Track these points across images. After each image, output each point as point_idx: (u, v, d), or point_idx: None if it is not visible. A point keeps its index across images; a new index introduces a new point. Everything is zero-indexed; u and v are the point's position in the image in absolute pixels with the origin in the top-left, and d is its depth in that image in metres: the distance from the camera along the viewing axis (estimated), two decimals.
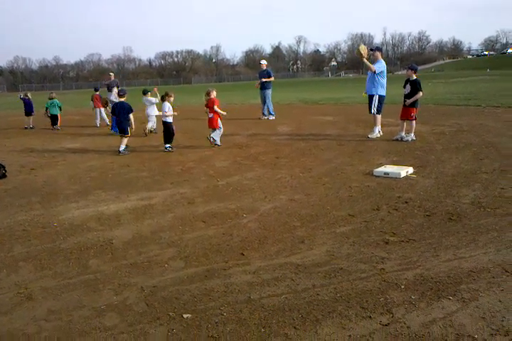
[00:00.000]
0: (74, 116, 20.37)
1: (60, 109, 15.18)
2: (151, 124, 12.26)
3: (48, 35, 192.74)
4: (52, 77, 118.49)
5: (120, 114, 9.35)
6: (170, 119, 9.44)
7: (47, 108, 14.92)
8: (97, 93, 15.32)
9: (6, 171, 7.53)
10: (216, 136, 9.53)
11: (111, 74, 17.05)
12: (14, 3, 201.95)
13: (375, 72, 9.71)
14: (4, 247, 4.36)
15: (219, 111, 9.45)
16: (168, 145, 9.43)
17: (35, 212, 5.48)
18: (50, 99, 15.04)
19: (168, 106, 9.45)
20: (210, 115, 9.51)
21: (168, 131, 9.42)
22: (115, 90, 14.68)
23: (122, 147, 9.35)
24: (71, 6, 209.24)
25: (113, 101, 13.41)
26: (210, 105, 9.50)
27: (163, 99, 9.64)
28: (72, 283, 3.53)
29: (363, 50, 9.79)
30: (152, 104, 11.97)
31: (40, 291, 3.42)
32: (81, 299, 3.27)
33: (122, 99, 9.58)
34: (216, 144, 9.51)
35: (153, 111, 12.05)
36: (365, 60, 9.78)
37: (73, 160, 8.99)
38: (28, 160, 9.17)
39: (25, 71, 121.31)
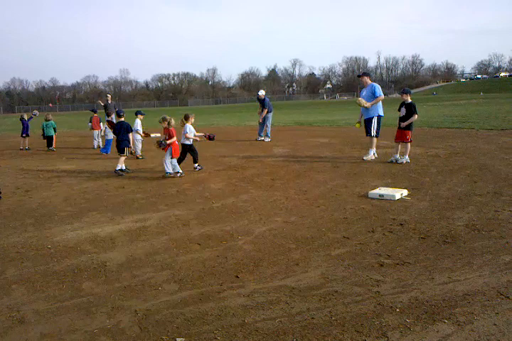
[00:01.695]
0: (70, 137, 20.46)
1: (55, 131, 15.27)
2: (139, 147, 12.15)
3: (45, 57, 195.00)
4: (49, 98, 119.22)
5: (120, 134, 9.42)
6: (189, 141, 9.37)
7: (43, 129, 15.03)
8: (96, 115, 15.41)
9: (0, 193, 7.51)
10: (175, 164, 9.07)
11: (108, 95, 17.18)
12: (11, 25, 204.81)
13: (378, 101, 9.87)
14: None
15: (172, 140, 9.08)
16: (196, 164, 9.50)
17: (29, 234, 5.45)
18: (46, 120, 15.14)
19: (189, 127, 9.32)
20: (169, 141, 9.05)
21: (191, 152, 9.43)
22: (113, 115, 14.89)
23: (119, 166, 9.36)
24: (68, 29, 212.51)
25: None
26: (172, 135, 9.03)
27: (186, 120, 9.41)
28: (64, 306, 3.49)
29: (361, 102, 9.95)
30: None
31: (32, 314, 3.38)
32: (74, 322, 3.23)
33: (121, 119, 9.65)
34: (179, 172, 8.96)
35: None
36: (368, 106, 9.93)
37: (68, 181, 8.98)
38: (23, 181, 9.15)
39: (22, 92, 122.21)
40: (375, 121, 9.97)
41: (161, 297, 3.59)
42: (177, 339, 2.94)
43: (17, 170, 10.75)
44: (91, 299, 3.60)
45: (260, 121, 15.54)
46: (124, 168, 9.53)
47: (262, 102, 15.52)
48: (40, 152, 14.65)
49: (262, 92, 15.90)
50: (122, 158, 9.45)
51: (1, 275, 4.18)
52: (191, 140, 9.39)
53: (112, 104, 16.45)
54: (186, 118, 9.41)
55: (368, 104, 9.85)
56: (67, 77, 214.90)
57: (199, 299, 3.51)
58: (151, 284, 3.84)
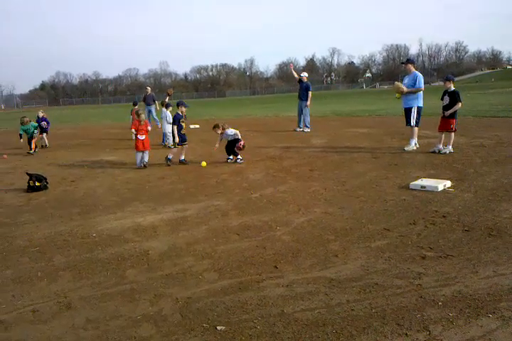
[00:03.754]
0: (112, 129, 20.95)
1: (34, 133, 13.36)
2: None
3: (89, 50, 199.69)
4: (92, 91, 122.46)
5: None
6: (238, 136, 9.70)
7: (21, 135, 13.09)
8: (136, 107, 15.70)
9: (47, 183, 7.80)
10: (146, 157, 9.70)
11: (148, 87, 17.55)
12: (55, 20, 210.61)
13: (418, 90, 9.62)
14: (45, 257, 4.50)
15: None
16: (231, 156, 9.73)
17: (75, 222, 5.65)
18: (23, 123, 13.03)
19: (230, 130, 9.71)
20: (143, 137, 9.64)
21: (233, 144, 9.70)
22: (154, 105, 15.17)
23: (169, 156, 9.75)
24: (112, 23, 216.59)
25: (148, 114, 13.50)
26: (145, 128, 9.76)
27: (223, 129, 9.76)
28: (109, 293, 3.61)
29: (399, 86, 9.74)
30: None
31: (78, 300, 3.51)
32: (118, 309, 3.34)
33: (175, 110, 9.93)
34: (145, 166, 9.58)
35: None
36: (405, 91, 9.71)
37: (111, 172, 9.23)
38: (68, 172, 9.47)
39: (67, 85, 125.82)
40: (414, 110, 9.73)
41: (202, 285, 3.65)
42: (217, 327, 2.99)
43: (63, 161, 11.12)
44: (134, 286, 3.71)
45: (308, 105, 15.08)
46: (170, 157, 9.72)
47: (303, 85, 15.14)
48: (83, 145, 15.07)
49: (305, 74, 15.59)
50: (174, 149, 9.84)
51: (49, 262, 4.36)
52: (239, 135, 9.69)
53: (151, 95, 16.80)
54: (223, 127, 9.77)
55: (405, 89, 9.62)
56: (109, 70, 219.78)
57: (239, 288, 3.56)
58: (191, 273, 3.92)
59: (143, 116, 10.00)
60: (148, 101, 16.36)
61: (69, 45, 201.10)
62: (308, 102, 14.98)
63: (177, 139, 9.59)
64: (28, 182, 7.58)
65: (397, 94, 10.08)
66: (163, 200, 6.54)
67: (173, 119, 9.70)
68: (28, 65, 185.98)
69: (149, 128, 10.09)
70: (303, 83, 15.23)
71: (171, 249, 4.54)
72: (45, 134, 14.55)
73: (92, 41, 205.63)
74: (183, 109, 9.76)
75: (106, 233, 5.15)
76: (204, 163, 9.29)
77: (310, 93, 14.98)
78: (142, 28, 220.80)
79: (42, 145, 14.20)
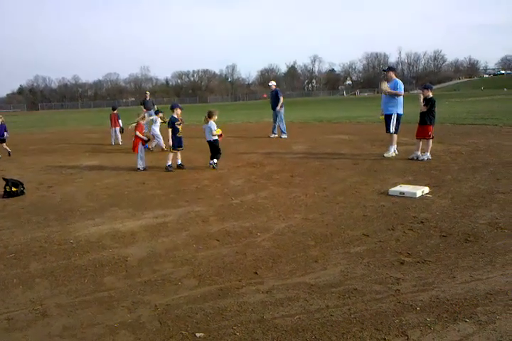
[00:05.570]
0: (91, 134, 20.72)
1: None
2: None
3: (68, 54, 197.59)
4: (71, 95, 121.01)
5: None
6: (215, 138, 9.50)
7: None
8: (115, 112, 15.58)
9: (24, 188, 7.66)
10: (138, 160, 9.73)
11: (147, 92, 17.55)
12: (33, 23, 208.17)
13: (398, 94, 9.78)
14: (21, 263, 4.41)
15: (140, 136, 9.73)
16: (212, 161, 9.53)
17: (52, 228, 5.55)
18: None
19: (214, 124, 9.45)
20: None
21: (215, 148, 9.53)
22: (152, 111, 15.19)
23: (168, 162, 9.57)
24: (90, 27, 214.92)
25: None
26: (137, 129, 9.80)
27: (210, 117, 9.51)
28: (86, 300, 3.55)
29: (384, 86, 9.93)
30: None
31: (55, 308, 3.44)
32: (95, 316, 3.28)
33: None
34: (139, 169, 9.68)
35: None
36: (387, 91, 9.88)
37: (90, 177, 9.11)
38: (46, 177, 9.32)
39: (45, 90, 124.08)
40: (394, 117, 9.89)
41: (181, 292, 3.62)
42: (196, 334, 2.97)
43: (40, 166, 10.94)
44: (112, 293, 3.66)
45: (265, 95, 15.42)
46: (169, 163, 9.54)
47: (272, 94, 15.29)
48: (60, 149, 14.86)
49: (273, 83, 15.70)
50: (170, 155, 9.61)
51: (25, 269, 4.27)
52: (216, 136, 9.46)
53: (150, 100, 16.77)
54: (210, 115, 9.47)
55: (388, 90, 9.82)
56: (89, 74, 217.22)
57: (218, 295, 3.54)
58: (171, 279, 3.88)
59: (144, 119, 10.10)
60: (148, 106, 16.25)
61: (48, 48, 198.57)
62: (278, 107, 15.01)
63: (170, 142, 9.37)
64: (5, 188, 7.44)
65: (381, 117, 10.40)
66: (142, 206, 6.48)
67: (169, 122, 9.45)
68: (5, 69, 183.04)
69: (137, 132, 9.82)
70: (272, 92, 15.42)
71: (150, 256, 4.49)
72: (4, 144, 13.35)
73: (72, 45, 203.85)
74: (179, 112, 9.54)
75: (84, 239, 5.08)
76: (219, 131, 9.34)
77: (281, 98, 15.10)
78: (123, 33, 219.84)
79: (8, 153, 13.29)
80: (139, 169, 9.62)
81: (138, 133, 9.71)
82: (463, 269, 3.80)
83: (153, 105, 16.63)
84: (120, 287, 3.78)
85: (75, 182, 8.61)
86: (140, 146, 9.64)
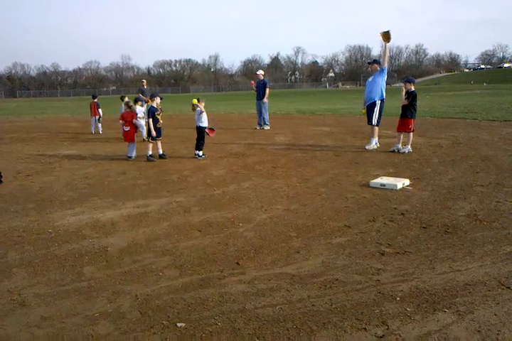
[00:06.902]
0: (71, 122, 20.39)
1: None
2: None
3: (47, 41, 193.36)
4: (50, 83, 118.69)
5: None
6: (204, 124, 9.48)
7: None
8: (95, 100, 15.34)
9: (1, 177, 7.50)
10: (133, 149, 9.65)
11: (143, 81, 17.28)
12: (14, 9, 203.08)
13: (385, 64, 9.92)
14: None
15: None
16: (198, 152, 9.50)
17: (30, 218, 5.45)
18: None
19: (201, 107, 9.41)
20: (127, 128, 9.58)
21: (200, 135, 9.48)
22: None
23: (148, 152, 9.46)
24: (70, 14, 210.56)
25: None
26: (128, 119, 9.62)
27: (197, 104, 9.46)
28: (65, 290, 3.50)
29: (384, 36, 9.92)
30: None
31: (33, 298, 3.39)
32: (74, 306, 3.24)
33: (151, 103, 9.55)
34: (130, 157, 9.59)
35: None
36: (388, 45, 9.98)
37: (69, 166, 8.97)
38: (24, 166, 9.14)
39: (24, 77, 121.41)
40: (377, 106, 9.90)
41: (162, 282, 3.59)
42: (177, 324, 2.95)
43: (18, 154, 10.73)
44: (92, 283, 3.61)
45: (252, 84, 15.27)
46: (150, 153, 9.47)
47: (259, 83, 15.15)
48: (42, 138, 14.60)
49: (260, 72, 15.59)
50: (150, 145, 9.49)
51: (3, 258, 4.19)
52: (207, 122, 9.47)
53: (148, 89, 16.51)
54: (199, 101, 9.48)
55: (389, 41, 9.88)
56: (69, 62, 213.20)
57: (200, 285, 3.52)
58: (151, 269, 3.85)
59: (134, 108, 9.97)
60: (146, 94, 16.01)
61: (27, 35, 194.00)
62: (265, 99, 14.97)
63: (153, 133, 9.22)
64: None
65: (363, 111, 10.42)
66: (123, 196, 6.41)
67: (148, 112, 9.28)
68: None
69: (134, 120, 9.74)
70: (259, 81, 15.28)
71: (130, 246, 4.44)
72: None
73: (50, 32, 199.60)
74: (158, 101, 9.39)
75: (63, 229, 5.00)
76: (195, 101, 9.30)
77: (268, 89, 15.03)
78: (104, 20, 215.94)
79: None
80: (131, 157, 9.53)
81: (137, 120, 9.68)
82: (442, 260, 3.85)
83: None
84: (100, 277, 3.73)
85: (54, 172, 8.46)
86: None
